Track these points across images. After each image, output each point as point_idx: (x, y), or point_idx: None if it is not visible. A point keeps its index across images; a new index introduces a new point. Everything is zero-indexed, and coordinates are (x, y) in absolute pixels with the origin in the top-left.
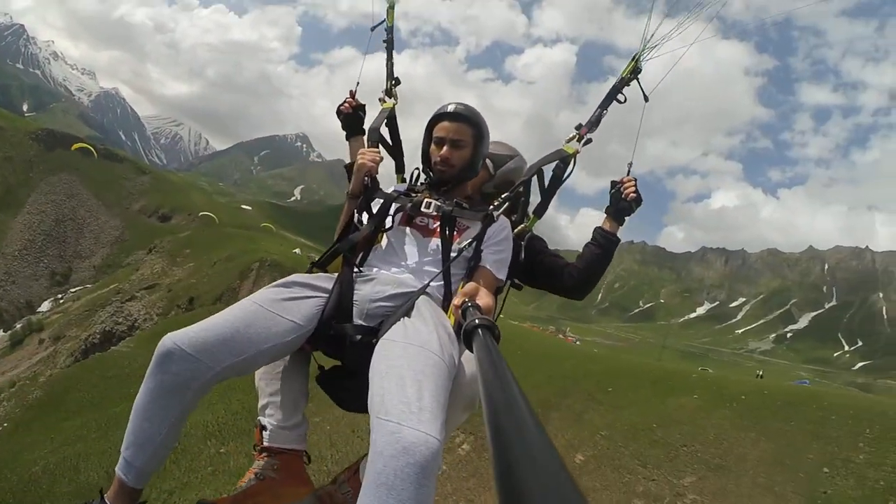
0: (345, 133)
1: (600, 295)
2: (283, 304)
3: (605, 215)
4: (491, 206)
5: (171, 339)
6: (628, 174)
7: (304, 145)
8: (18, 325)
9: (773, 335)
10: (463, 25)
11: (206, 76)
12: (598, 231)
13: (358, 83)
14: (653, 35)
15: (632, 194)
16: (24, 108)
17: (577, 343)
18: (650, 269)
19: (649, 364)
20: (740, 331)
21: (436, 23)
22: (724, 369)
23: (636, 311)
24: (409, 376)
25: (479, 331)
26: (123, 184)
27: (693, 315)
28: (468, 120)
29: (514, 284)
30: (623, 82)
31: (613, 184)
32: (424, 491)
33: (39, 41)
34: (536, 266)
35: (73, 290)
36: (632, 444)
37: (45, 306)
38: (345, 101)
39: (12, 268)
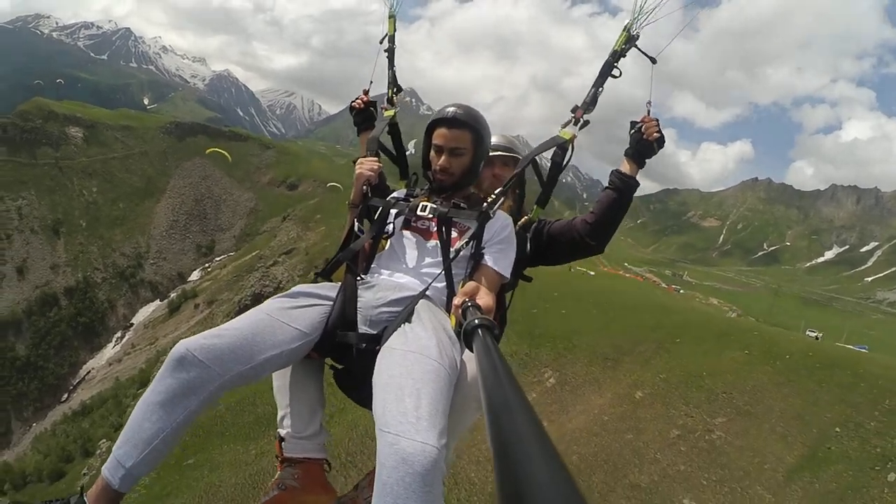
0: (357, 129)
1: (722, 236)
2: (288, 313)
3: (624, 157)
4: (485, 204)
5: (184, 346)
6: (648, 115)
7: (413, 99)
8: (173, 294)
9: None
10: None
11: (311, 46)
12: (616, 174)
13: (371, 82)
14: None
15: (655, 134)
16: (146, 101)
17: (680, 292)
18: (776, 209)
19: (718, 318)
20: (870, 278)
21: None
22: (845, 320)
23: (760, 253)
24: (408, 385)
25: (479, 331)
26: (251, 160)
27: (821, 259)
28: (466, 125)
29: (524, 278)
30: (617, 56)
31: (633, 124)
32: (429, 497)
33: (147, 39)
34: (548, 239)
35: (217, 258)
36: (682, 387)
37: (195, 276)
38: (357, 98)
39: (162, 246)
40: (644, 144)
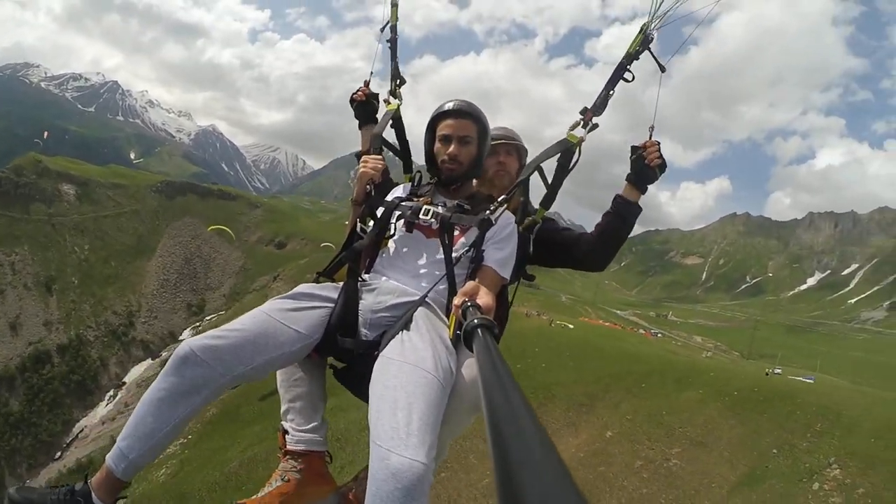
0: (357, 122)
1: (705, 272)
2: (290, 315)
3: (626, 183)
4: (488, 211)
5: (188, 345)
6: (650, 138)
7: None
8: (165, 353)
9: (888, 302)
10: (537, 17)
11: (297, 102)
12: (619, 200)
13: (372, 73)
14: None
15: (656, 160)
16: (132, 156)
17: (658, 336)
18: (756, 241)
19: (680, 362)
20: (853, 300)
21: (510, 19)
22: (829, 345)
23: (743, 286)
24: (402, 399)
25: (479, 331)
26: (240, 219)
27: (803, 287)
28: (471, 116)
29: (526, 276)
30: (630, 58)
31: (634, 149)
32: None
33: (134, 93)
34: (551, 245)
35: (208, 318)
36: (645, 425)
37: (185, 335)
38: (358, 90)
39: (153, 304)
40: (646, 170)
